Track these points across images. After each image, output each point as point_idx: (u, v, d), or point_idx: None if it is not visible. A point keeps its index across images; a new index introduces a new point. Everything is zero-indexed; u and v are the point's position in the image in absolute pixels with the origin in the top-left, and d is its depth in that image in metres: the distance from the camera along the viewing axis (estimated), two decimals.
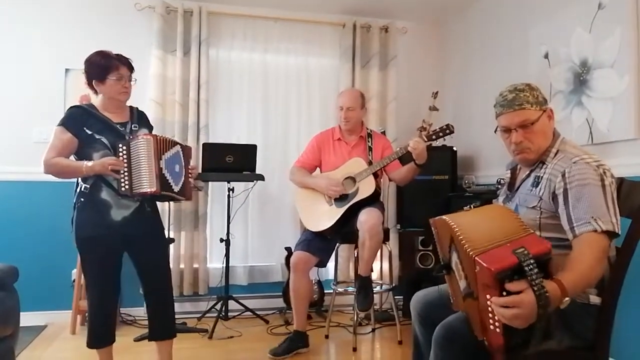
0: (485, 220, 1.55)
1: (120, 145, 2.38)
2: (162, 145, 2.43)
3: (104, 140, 2.40)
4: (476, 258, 1.35)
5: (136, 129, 2.52)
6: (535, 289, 1.28)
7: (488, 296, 1.36)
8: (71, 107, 2.49)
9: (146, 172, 2.35)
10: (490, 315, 1.37)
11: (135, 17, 4.04)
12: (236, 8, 4.20)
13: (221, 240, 3.84)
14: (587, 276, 1.47)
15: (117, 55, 2.47)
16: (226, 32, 4.24)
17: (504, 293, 1.31)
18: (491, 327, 1.39)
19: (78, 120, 2.40)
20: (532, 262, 1.29)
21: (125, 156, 2.37)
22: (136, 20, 4.04)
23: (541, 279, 1.29)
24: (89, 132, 2.39)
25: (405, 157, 3.18)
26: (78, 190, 2.42)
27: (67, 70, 3.92)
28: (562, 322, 1.57)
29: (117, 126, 2.47)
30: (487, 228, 1.46)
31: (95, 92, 2.48)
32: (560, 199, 1.63)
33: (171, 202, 3.84)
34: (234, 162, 3.77)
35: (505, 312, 1.30)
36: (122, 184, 2.36)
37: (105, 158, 2.34)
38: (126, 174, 2.36)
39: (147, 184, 2.35)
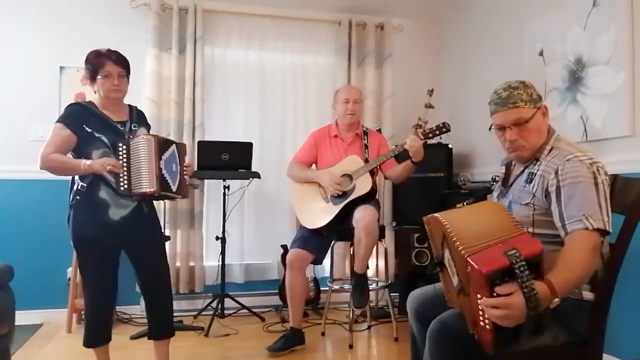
0: (477, 216, 1.56)
1: (120, 145, 2.37)
2: (162, 145, 2.43)
3: (104, 138, 2.38)
4: (468, 258, 1.35)
5: (136, 128, 2.52)
6: (526, 291, 1.29)
7: (479, 296, 1.37)
8: (71, 104, 2.48)
9: (146, 172, 2.35)
10: (480, 313, 1.39)
11: (131, 14, 4.02)
12: (231, 6, 4.19)
13: (217, 238, 3.84)
14: (578, 275, 1.48)
15: (108, 51, 2.44)
16: (222, 29, 4.22)
17: (495, 294, 1.32)
18: (481, 323, 1.40)
19: (78, 117, 2.38)
20: (523, 264, 1.30)
21: (124, 156, 2.36)
22: (131, 18, 4.02)
23: (532, 280, 1.30)
24: (89, 130, 2.37)
25: (401, 155, 3.18)
26: (75, 188, 2.40)
27: (61, 68, 3.91)
28: (556, 318, 1.58)
29: (117, 125, 2.46)
30: (479, 225, 1.47)
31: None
32: (553, 196, 1.63)
33: (167, 201, 3.83)
34: (229, 160, 3.77)
35: (494, 312, 1.32)
36: (121, 184, 2.35)
37: (104, 159, 2.33)
38: (125, 173, 2.35)
39: (147, 184, 2.35)
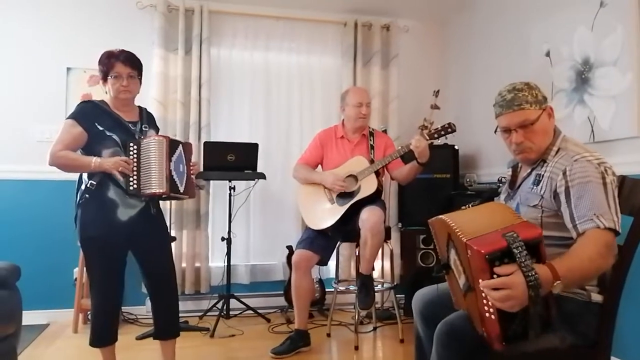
0: (480, 214, 1.58)
1: (131, 145, 2.39)
2: (172, 146, 2.44)
3: (115, 137, 2.39)
4: (467, 242, 1.38)
5: (147, 129, 2.54)
6: (524, 269, 1.31)
7: (481, 281, 1.38)
8: (82, 102, 2.50)
9: (157, 173, 2.36)
10: (484, 302, 1.39)
11: (137, 15, 4.03)
12: (237, 7, 4.20)
13: (223, 239, 3.84)
14: (585, 266, 1.46)
15: (119, 52, 2.46)
16: (227, 30, 4.24)
17: (495, 276, 1.34)
18: (487, 314, 1.41)
19: (90, 115, 2.39)
20: (521, 244, 1.33)
21: (135, 155, 2.37)
22: (138, 19, 4.04)
23: (530, 261, 1.32)
24: (100, 128, 2.38)
25: (407, 156, 3.18)
26: (83, 187, 2.40)
27: (68, 69, 3.93)
28: (564, 320, 1.57)
29: (129, 125, 2.47)
30: (481, 220, 1.48)
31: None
32: (562, 197, 1.62)
33: (173, 201, 3.84)
34: (235, 160, 3.77)
35: (495, 294, 1.32)
36: (131, 184, 2.36)
37: (116, 158, 2.34)
38: (135, 173, 2.36)
39: (157, 185, 2.36)
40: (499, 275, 1.34)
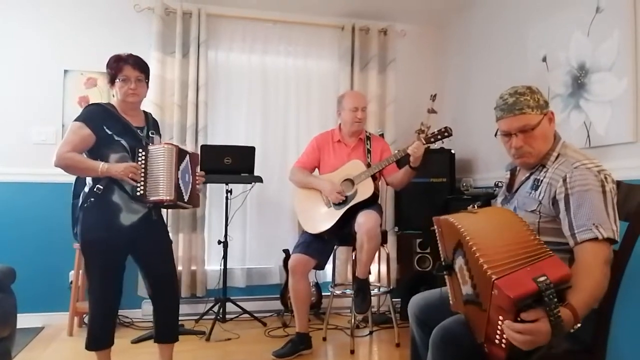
0: (492, 226, 1.53)
1: (140, 151, 2.39)
2: (181, 155, 2.45)
3: (124, 142, 2.39)
4: (496, 282, 1.32)
5: (153, 135, 2.55)
6: (552, 319, 1.26)
7: (501, 317, 1.34)
8: (91, 104, 2.50)
9: (164, 180, 2.37)
10: (498, 332, 1.36)
11: (135, 18, 4.03)
12: (235, 10, 4.20)
13: (219, 242, 3.83)
14: (596, 294, 1.46)
15: (127, 56, 2.46)
16: (225, 34, 4.24)
17: (519, 319, 1.30)
18: (496, 341, 1.38)
19: (99, 118, 2.39)
20: (552, 292, 1.27)
21: (143, 162, 2.38)
22: (135, 22, 4.03)
23: (559, 308, 1.27)
24: (109, 132, 2.38)
25: (403, 160, 3.18)
26: (87, 189, 2.40)
27: (65, 71, 3.92)
28: None
29: (137, 130, 2.47)
30: (502, 242, 1.44)
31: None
32: (562, 204, 1.62)
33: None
34: (232, 164, 3.77)
35: (518, 337, 1.29)
36: (138, 189, 2.36)
37: (126, 164, 2.34)
38: (142, 179, 2.37)
39: (164, 192, 2.37)
40: (523, 319, 1.29)
